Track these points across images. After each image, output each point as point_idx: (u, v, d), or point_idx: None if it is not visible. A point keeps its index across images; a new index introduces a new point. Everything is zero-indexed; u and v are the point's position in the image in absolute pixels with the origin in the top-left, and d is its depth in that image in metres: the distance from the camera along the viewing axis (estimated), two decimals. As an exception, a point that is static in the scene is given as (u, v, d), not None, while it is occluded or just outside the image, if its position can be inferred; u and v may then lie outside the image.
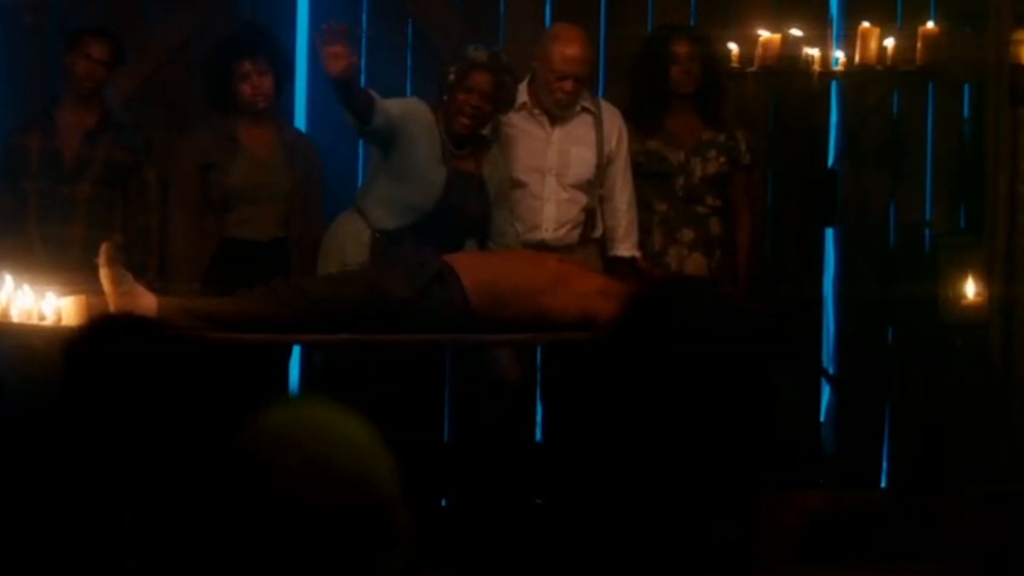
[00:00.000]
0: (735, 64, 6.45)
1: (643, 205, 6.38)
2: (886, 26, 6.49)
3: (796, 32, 6.48)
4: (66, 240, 6.03)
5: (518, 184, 6.15)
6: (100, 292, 5.26)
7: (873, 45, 6.40)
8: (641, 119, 6.42)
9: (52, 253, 5.98)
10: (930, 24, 6.51)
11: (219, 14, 6.61)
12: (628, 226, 6.30)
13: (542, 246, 6.11)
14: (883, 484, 6.90)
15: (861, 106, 6.87)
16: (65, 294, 5.27)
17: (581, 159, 6.22)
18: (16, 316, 5.24)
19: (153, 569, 2.86)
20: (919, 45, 6.41)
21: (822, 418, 6.94)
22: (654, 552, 5.64)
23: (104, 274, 5.25)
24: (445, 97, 5.90)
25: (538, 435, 6.56)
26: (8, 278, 5.31)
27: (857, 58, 6.41)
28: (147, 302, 5.30)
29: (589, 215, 6.26)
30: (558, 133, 6.22)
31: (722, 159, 6.47)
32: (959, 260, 6.45)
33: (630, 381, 5.57)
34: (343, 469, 2.09)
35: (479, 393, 6.28)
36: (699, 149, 6.45)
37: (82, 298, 5.23)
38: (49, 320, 5.22)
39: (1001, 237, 6.27)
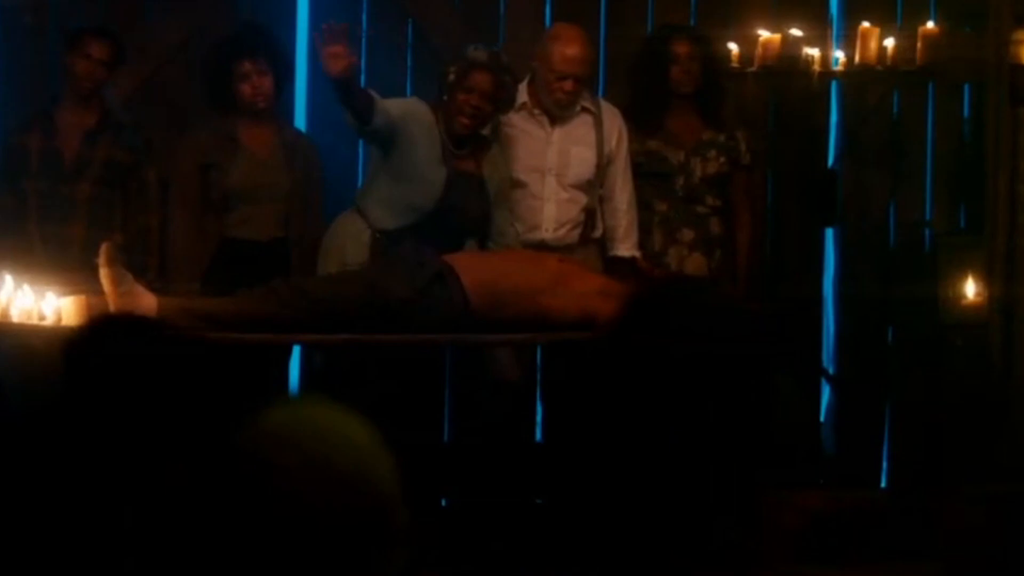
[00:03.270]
0: (735, 64, 6.45)
1: (643, 205, 6.38)
2: (886, 26, 6.49)
3: (796, 32, 6.48)
4: (66, 240, 6.03)
5: (518, 184, 6.15)
6: (100, 292, 5.26)
7: (873, 45, 6.39)
8: (641, 119, 6.42)
9: (52, 253, 5.98)
10: (930, 24, 6.51)
11: (219, 14, 6.61)
12: (628, 226, 6.30)
13: (542, 246, 6.11)
14: (883, 484, 6.90)
15: (861, 106, 6.86)
16: (65, 294, 5.27)
17: (581, 159, 6.22)
18: (16, 316, 5.23)
19: (153, 569, 2.86)
20: (919, 45, 6.41)
21: (822, 418, 6.94)
22: (654, 552, 5.64)
23: (104, 274, 5.25)
24: (445, 97, 5.90)
25: (538, 435, 6.56)
26: (8, 278, 5.30)
27: (857, 58, 6.41)
28: (147, 302, 5.29)
29: (589, 215, 6.26)
30: (558, 133, 6.22)
31: (722, 159, 6.47)
32: (959, 260, 6.45)
33: (630, 381, 5.56)
34: (343, 469, 2.09)
35: (479, 393, 6.28)
36: (699, 149, 6.45)
37: (82, 298, 5.23)
38: (49, 320, 5.21)
39: (1001, 237, 6.27)
